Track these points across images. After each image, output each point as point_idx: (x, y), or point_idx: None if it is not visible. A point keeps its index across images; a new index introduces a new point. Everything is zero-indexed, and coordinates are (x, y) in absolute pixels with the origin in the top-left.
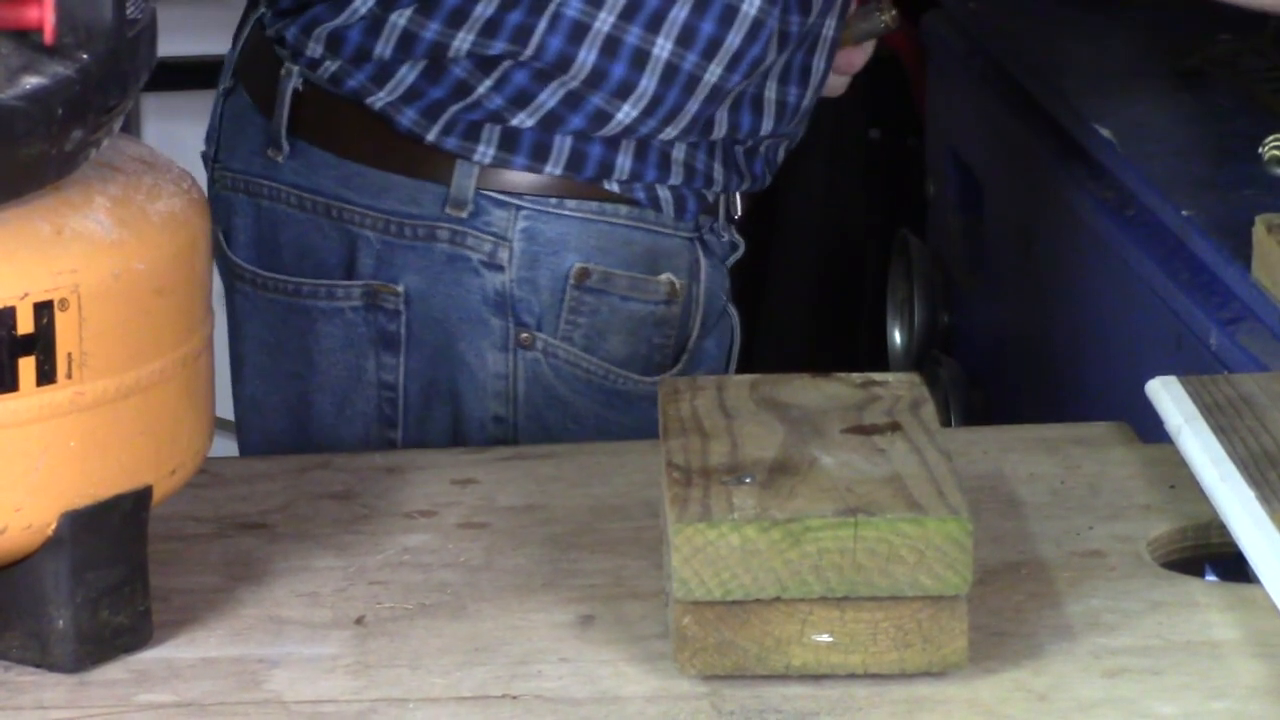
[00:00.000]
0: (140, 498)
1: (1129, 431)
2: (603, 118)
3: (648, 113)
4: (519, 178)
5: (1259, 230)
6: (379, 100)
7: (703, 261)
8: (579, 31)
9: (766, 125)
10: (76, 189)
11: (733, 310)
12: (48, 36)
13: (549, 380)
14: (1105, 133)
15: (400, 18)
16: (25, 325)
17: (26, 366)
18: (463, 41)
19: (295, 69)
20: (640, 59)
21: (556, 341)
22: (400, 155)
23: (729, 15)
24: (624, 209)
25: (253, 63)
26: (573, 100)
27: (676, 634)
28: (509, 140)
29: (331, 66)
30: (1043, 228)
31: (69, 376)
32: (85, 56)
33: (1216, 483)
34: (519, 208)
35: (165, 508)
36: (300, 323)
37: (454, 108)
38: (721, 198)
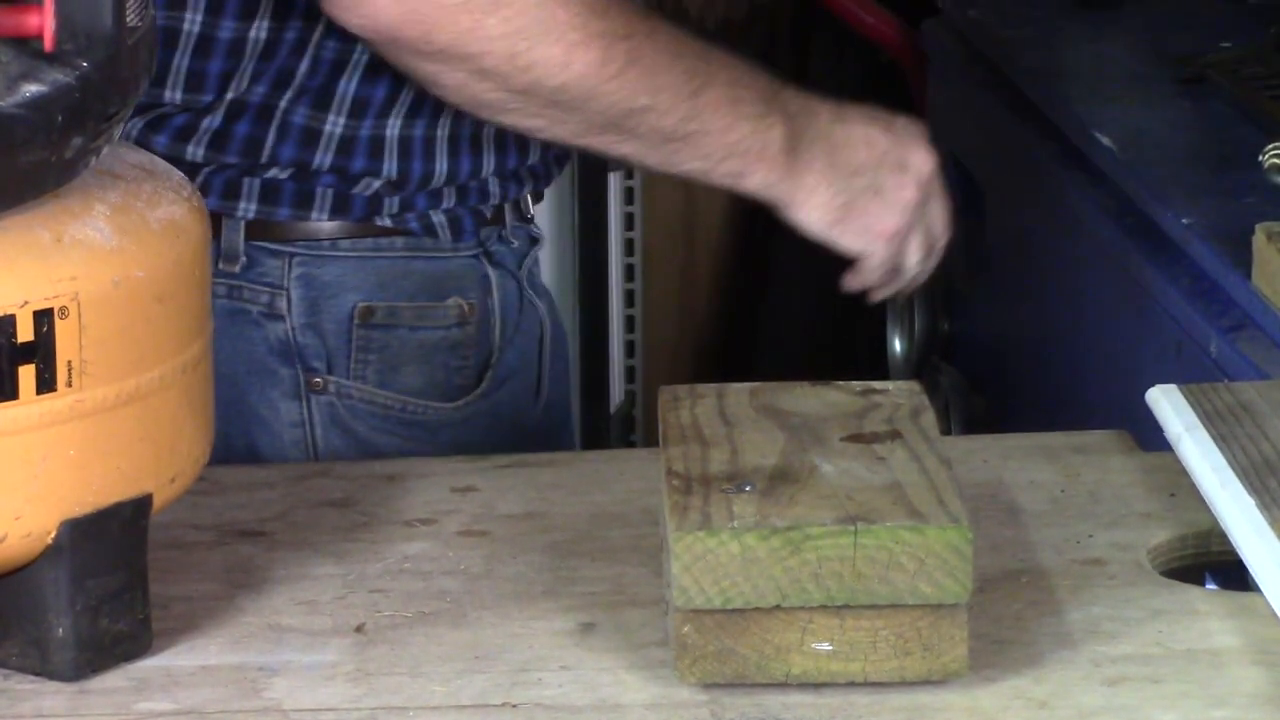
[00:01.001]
0: (140, 505)
1: (1129, 439)
2: (356, 182)
3: (399, 185)
4: (286, 227)
5: (1259, 238)
6: None
7: (492, 275)
8: (310, 137)
9: (488, 161)
10: (76, 196)
11: (537, 300)
12: (48, 43)
13: (346, 421)
14: (1105, 140)
15: (132, 128)
16: (25, 333)
17: (26, 374)
18: (195, 154)
19: None
20: (377, 147)
21: (349, 381)
22: None
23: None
24: (399, 241)
25: None
26: (318, 174)
27: (676, 642)
28: (269, 193)
29: None
30: (1043, 235)
31: (69, 384)
32: (85, 64)
33: (1217, 490)
34: (291, 254)
35: (165, 515)
36: None
37: (206, 170)
38: (506, 205)
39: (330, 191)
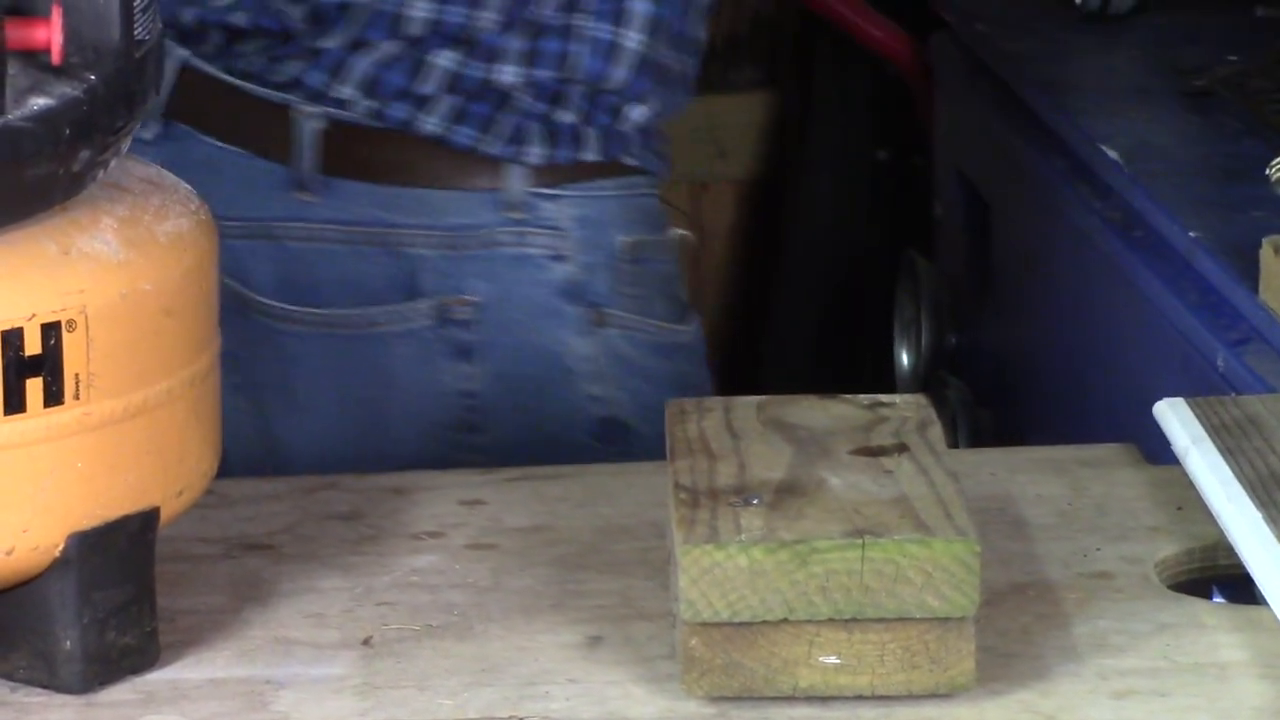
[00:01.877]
0: (148, 518)
1: (1136, 453)
2: (621, 119)
3: (651, 120)
4: (561, 170)
5: (1266, 252)
6: (429, 125)
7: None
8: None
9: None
10: (84, 209)
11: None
12: (55, 57)
13: (625, 351)
14: (1112, 153)
15: (444, 59)
16: (33, 346)
17: (34, 387)
18: (507, 74)
19: (314, 111)
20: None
21: (627, 314)
22: (447, 170)
23: None
24: (640, 179)
25: (214, 106)
26: (598, 100)
27: (684, 655)
28: (552, 136)
29: (368, 104)
30: (1049, 248)
31: (76, 397)
32: (93, 77)
33: (1224, 504)
34: (563, 197)
35: (172, 528)
36: (367, 350)
37: (502, 118)
38: None
39: (594, 129)
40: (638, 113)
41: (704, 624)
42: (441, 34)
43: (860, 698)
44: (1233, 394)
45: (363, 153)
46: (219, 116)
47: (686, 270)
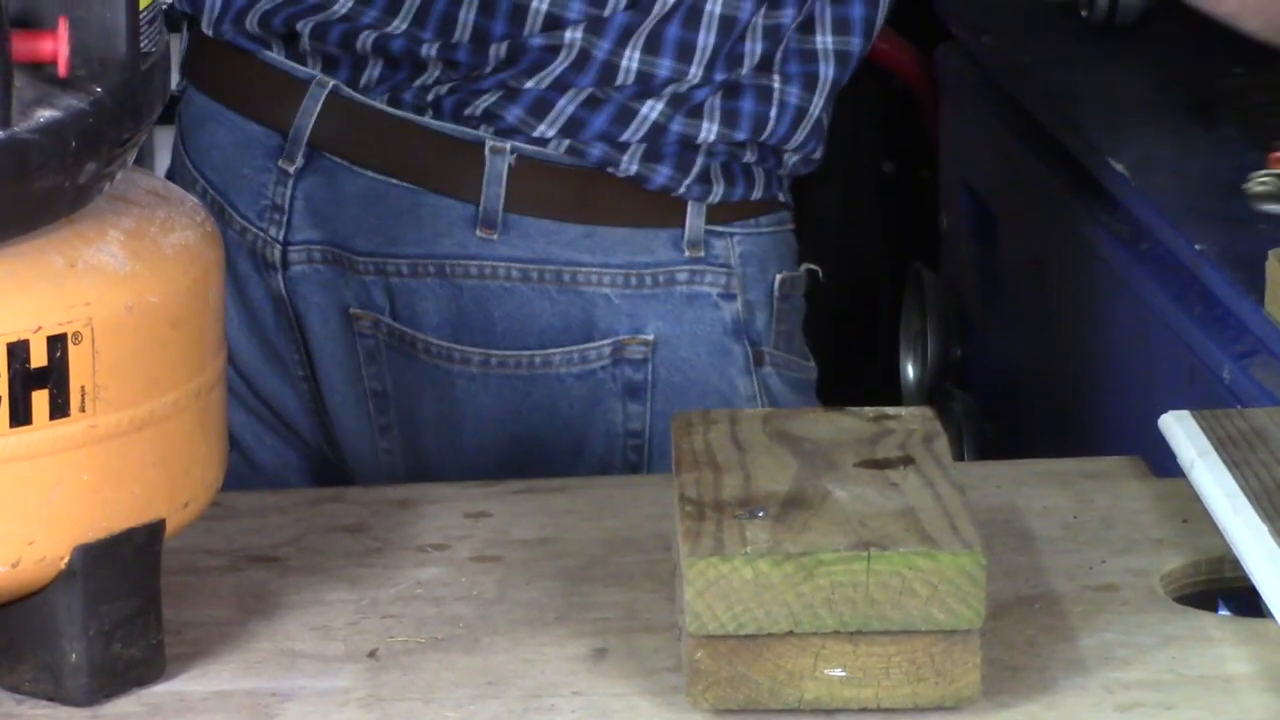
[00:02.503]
0: (153, 531)
1: (1142, 465)
2: (780, 160)
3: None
4: (732, 208)
5: (1272, 264)
6: (628, 166)
7: None
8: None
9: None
10: (90, 222)
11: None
12: (61, 69)
13: (778, 389)
14: (1119, 166)
15: (651, 110)
16: (39, 358)
17: (40, 399)
18: (707, 130)
19: (505, 146)
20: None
21: (777, 351)
22: (633, 208)
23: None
24: (787, 214)
25: (376, 139)
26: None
27: (689, 667)
28: (731, 176)
29: (568, 143)
30: (1056, 261)
31: (82, 410)
32: (99, 89)
33: (1230, 517)
34: (732, 234)
35: (178, 540)
36: (539, 391)
37: (694, 159)
38: None
39: (762, 169)
40: (798, 158)
41: (709, 636)
42: (647, 85)
43: (865, 710)
44: (1238, 406)
45: (549, 190)
46: (381, 149)
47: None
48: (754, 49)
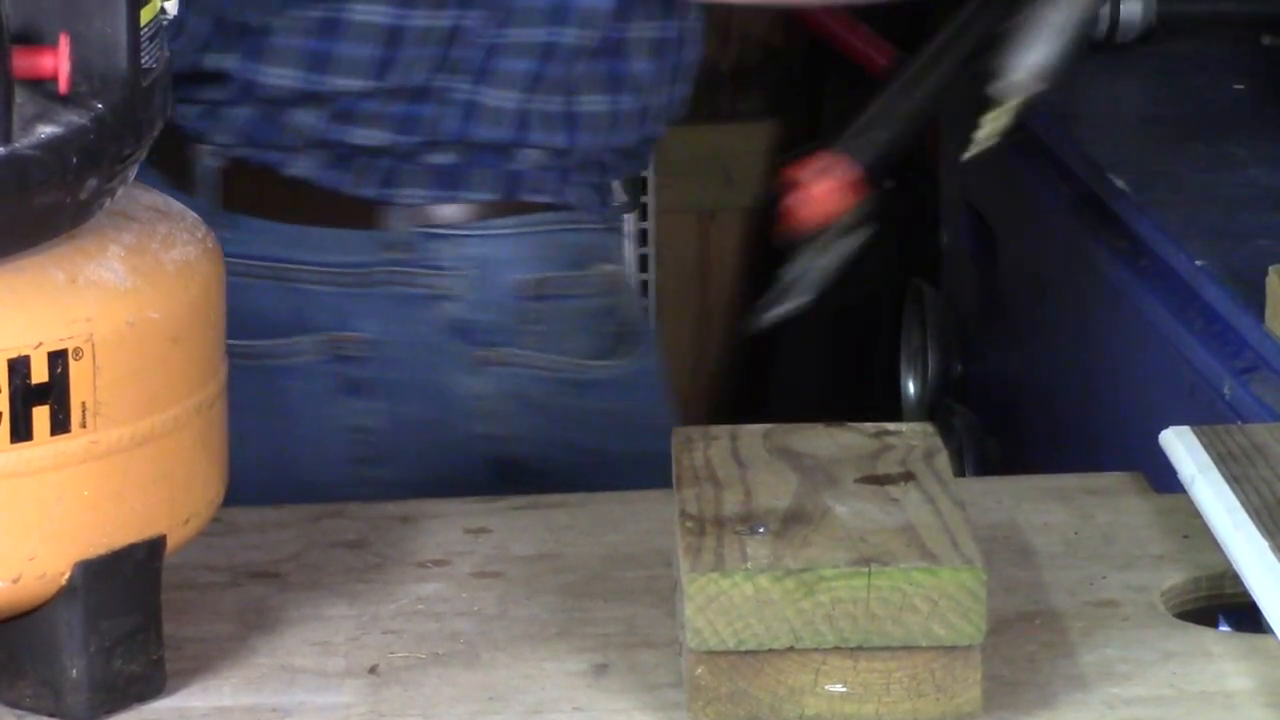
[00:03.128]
0: (154, 547)
1: (1143, 481)
2: (514, 158)
3: (560, 159)
4: (446, 210)
5: (1273, 280)
6: (294, 169)
7: (622, 244)
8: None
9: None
10: (91, 237)
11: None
12: (62, 85)
13: (521, 388)
14: (1119, 182)
15: (297, 117)
16: (39, 374)
17: (40, 415)
18: (373, 137)
19: (209, 149)
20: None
21: (520, 351)
22: (332, 210)
23: None
24: (555, 215)
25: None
26: (475, 148)
27: (690, 683)
28: (429, 178)
29: (241, 150)
30: (1056, 277)
31: (83, 425)
32: (100, 105)
33: (1230, 533)
34: (456, 237)
35: (178, 556)
36: (263, 382)
37: (373, 163)
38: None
39: (482, 173)
40: (534, 155)
41: (710, 652)
42: (301, 97)
43: None
44: (1239, 422)
45: (255, 190)
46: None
47: (627, 303)
48: (420, 55)
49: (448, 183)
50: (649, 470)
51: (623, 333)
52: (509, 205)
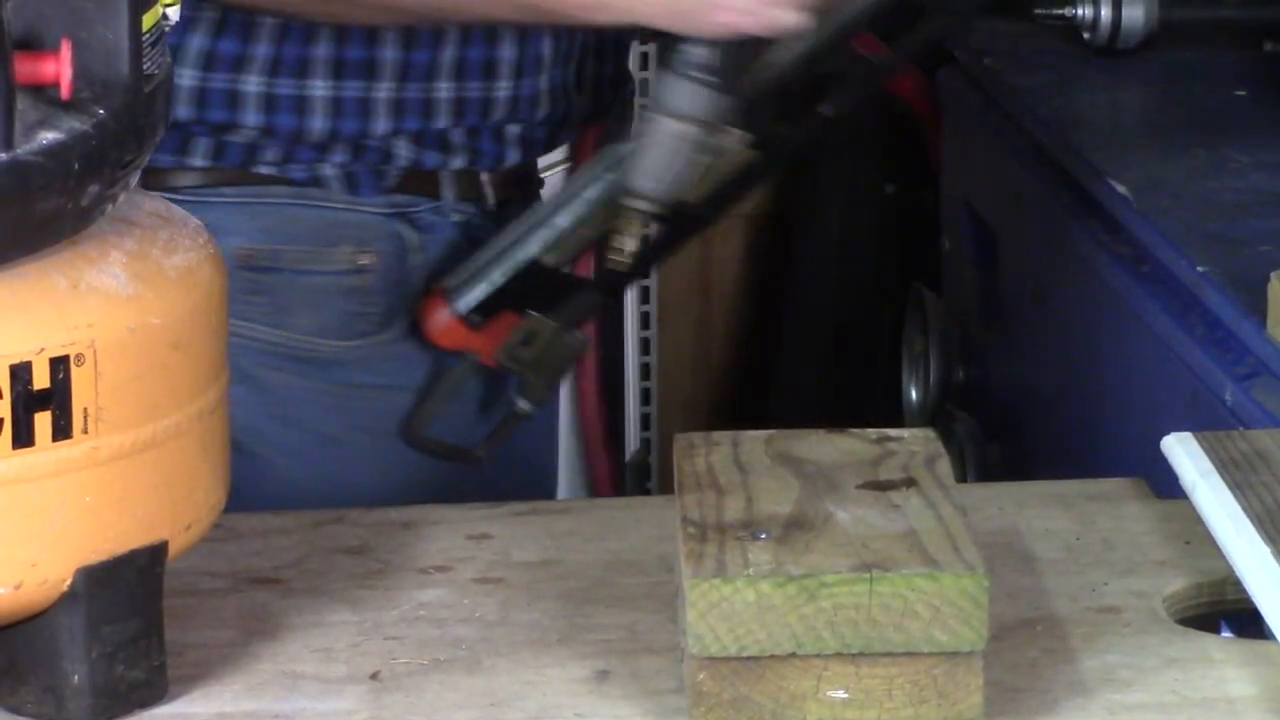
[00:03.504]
0: (156, 553)
1: (1144, 487)
2: (225, 131)
3: (271, 137)
4: (165, 174)
5: (1274, 286)
6: None
7: (411, 237)
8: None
9: (381, 123)
10: (92, 244)
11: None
12: (64, 91)
13: (235, 358)
14: (1121, 188)
15: None
16: (41, 380)
17: (42, 421)
18: None
19: None
20: (234, 100)
21: (239, 322)
22: None
23: None
24: (283, 189)
25: None
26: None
27: (692, 689)
28: (168, 143)
29: None
30: (1058, 283)
31: (85, 431)
32: (102, 111)
33: (1232, 538)
34: (184, 202)
35: (180, 562)
36: None
37: None
38: (442, 177)
39: (204, 140)
40: (250, 133)
41: (712, 658)
42: None
43: None
44: (1241, 428)
45: None
46: None
47: (386, 287)
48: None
49: (178, 148)
50: (390, 455)
51: (370, 314)
52: (232, 174)
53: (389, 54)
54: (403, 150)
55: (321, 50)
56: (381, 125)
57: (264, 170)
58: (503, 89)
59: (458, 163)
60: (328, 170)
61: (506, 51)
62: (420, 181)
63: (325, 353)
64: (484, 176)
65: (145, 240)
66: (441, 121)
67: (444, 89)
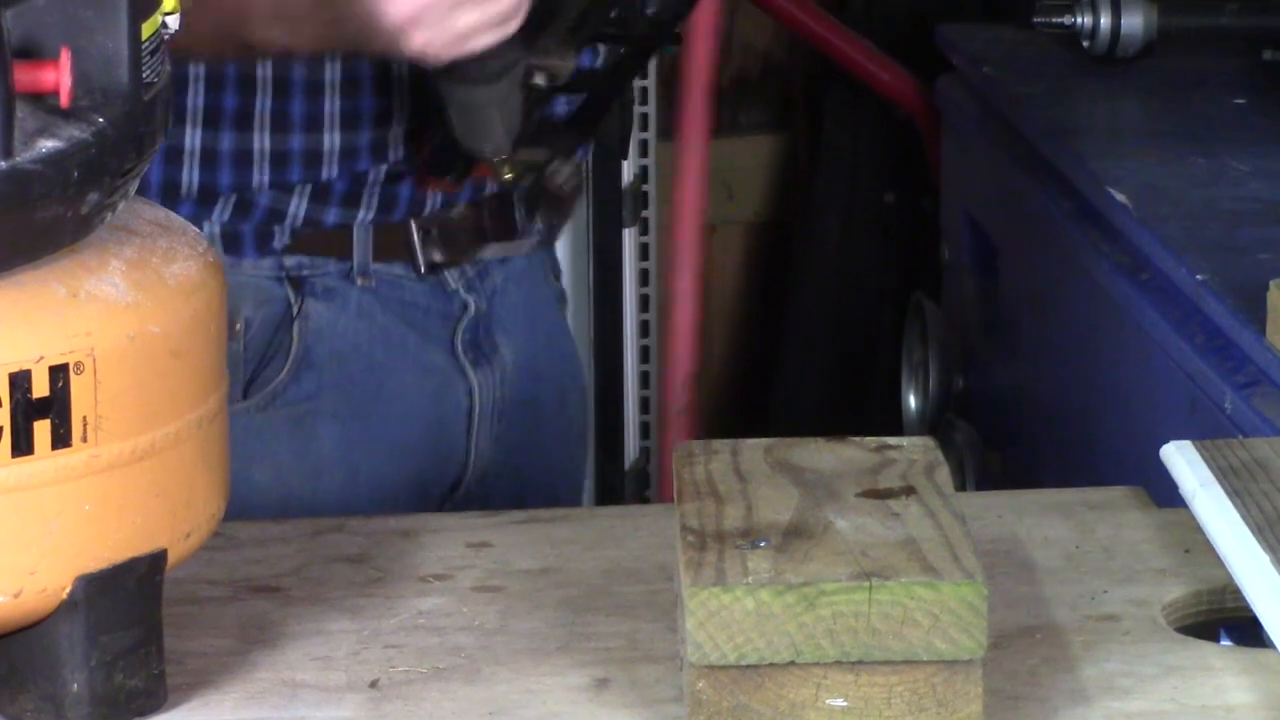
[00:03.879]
0: (155, 561)
1: (1144, 495)
2: None
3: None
4: None
5: (1274, 294)
6: None
7: (300, 303)
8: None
9: (257, 176)
10: (92, 252)
11: (470, 370)
12: (64, 99)
13: None
14: (1120, 196)
15: None
16: (40, 388)
17: (42, 429)
18: None
19: None
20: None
21: None
22: None
23: None
24: None
25: None
26: None
27: (691, 698)
28: None
29: None
30: (1057, 291)
31: (84, 439)
32: (101, 120)
33: (1231, 547)
34: None
35: (179, 570)
36: None
37: None
38: (355, 241)
39: None
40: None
41: (711, 667)
42: None
43: None
44: (1240, 436)
45: None
46: None
47: (269, 363)
48: None
49: None
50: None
51: (238, 383)
52: None
53: (265, 103)
54: (293, 208)
55: (190, 99)
56: (257, 177)
57: None
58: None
59: (362, 215)
60: (205, 228)
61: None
62: (321, 242)
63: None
64: (413, 227)
65: (145, 248)
66: (328, 171)
67: (329, 139)
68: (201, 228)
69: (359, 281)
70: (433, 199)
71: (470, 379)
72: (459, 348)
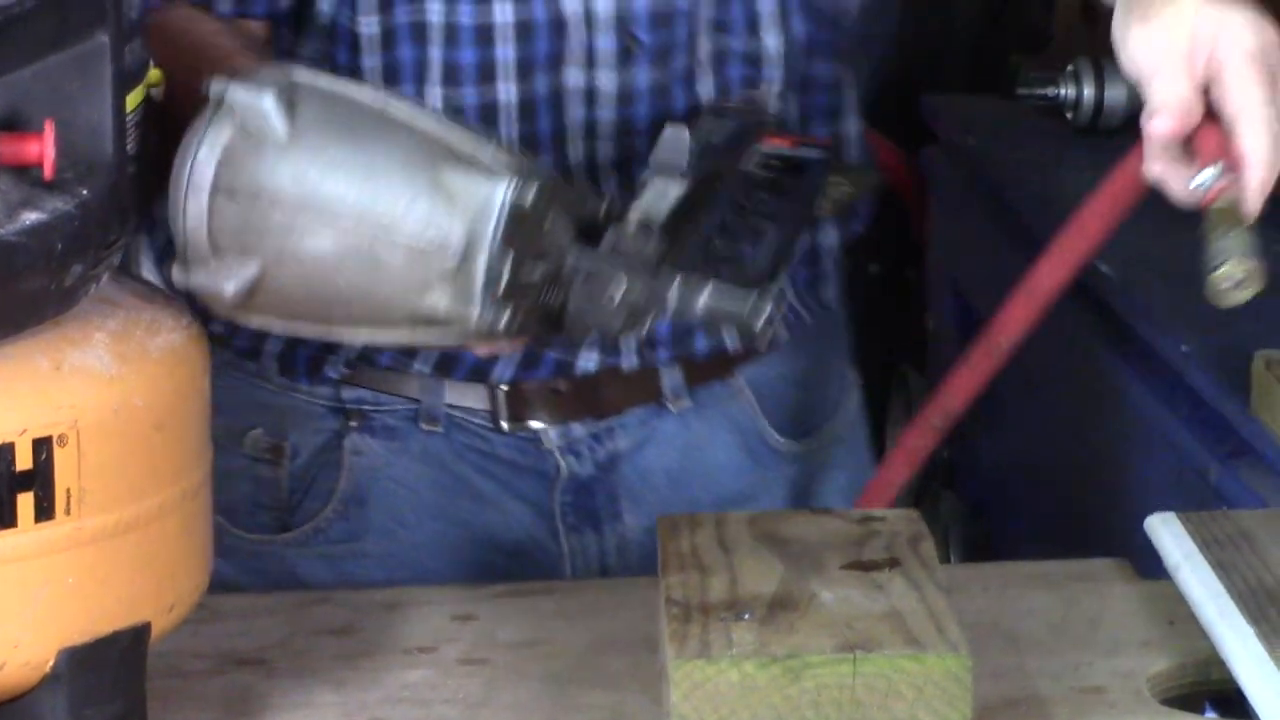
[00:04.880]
0: (139, 634)
1: (1128, 568)
2: None
3: None
4: None
5: (1258, 366)
6: None
7: (355, 440)
8: None
9: None
10: (76, 324)
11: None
12: (47, 172)
13: None
14: (1105, 267)
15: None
16: (24, 461)
17: (25, 502)
18: None
19: None
20: None
21: None
22: None
23: None
24: (228, 354)
25: None
26: None
27: None
28: None
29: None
30: (1043, 361)
31: (68, 512)
32: (85, 192)
33: (1216, 619)
34: None
35: (164, 643)
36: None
37: None
38: (416, 382)
39: None
40: None
41: None
42: None
43: None
44: (1225, 507)
45: None
46: None
47: (312, 497)
48: None
49: None
50: None
51: (278, 514)
52: None
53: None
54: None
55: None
56: None
57: (214, 329)
58: None
59: (419, 366)
60: (268, 346)
61: None
62: (377, 377)
63: (231, 536)
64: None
65: (129, 321)
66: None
67: None
68: (263, 345)
69: (424, 426)
70: (503, 364)
71: (561, 545)
72: (556, 510)
